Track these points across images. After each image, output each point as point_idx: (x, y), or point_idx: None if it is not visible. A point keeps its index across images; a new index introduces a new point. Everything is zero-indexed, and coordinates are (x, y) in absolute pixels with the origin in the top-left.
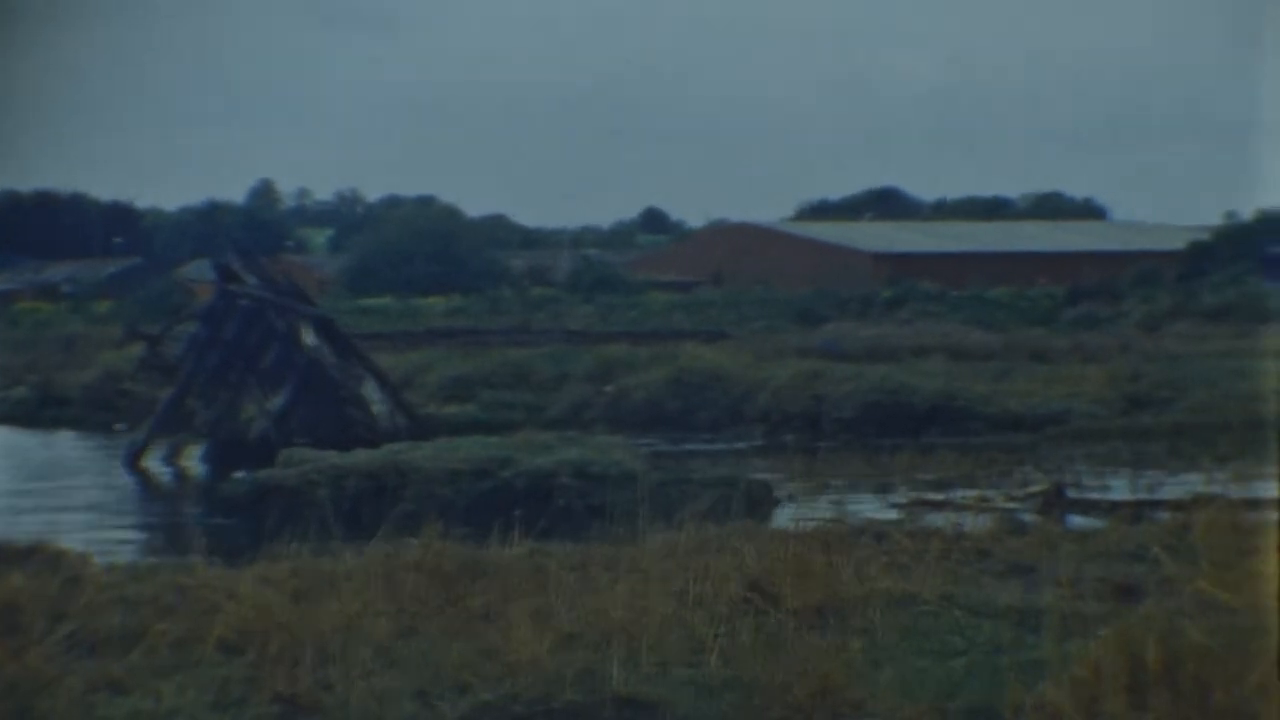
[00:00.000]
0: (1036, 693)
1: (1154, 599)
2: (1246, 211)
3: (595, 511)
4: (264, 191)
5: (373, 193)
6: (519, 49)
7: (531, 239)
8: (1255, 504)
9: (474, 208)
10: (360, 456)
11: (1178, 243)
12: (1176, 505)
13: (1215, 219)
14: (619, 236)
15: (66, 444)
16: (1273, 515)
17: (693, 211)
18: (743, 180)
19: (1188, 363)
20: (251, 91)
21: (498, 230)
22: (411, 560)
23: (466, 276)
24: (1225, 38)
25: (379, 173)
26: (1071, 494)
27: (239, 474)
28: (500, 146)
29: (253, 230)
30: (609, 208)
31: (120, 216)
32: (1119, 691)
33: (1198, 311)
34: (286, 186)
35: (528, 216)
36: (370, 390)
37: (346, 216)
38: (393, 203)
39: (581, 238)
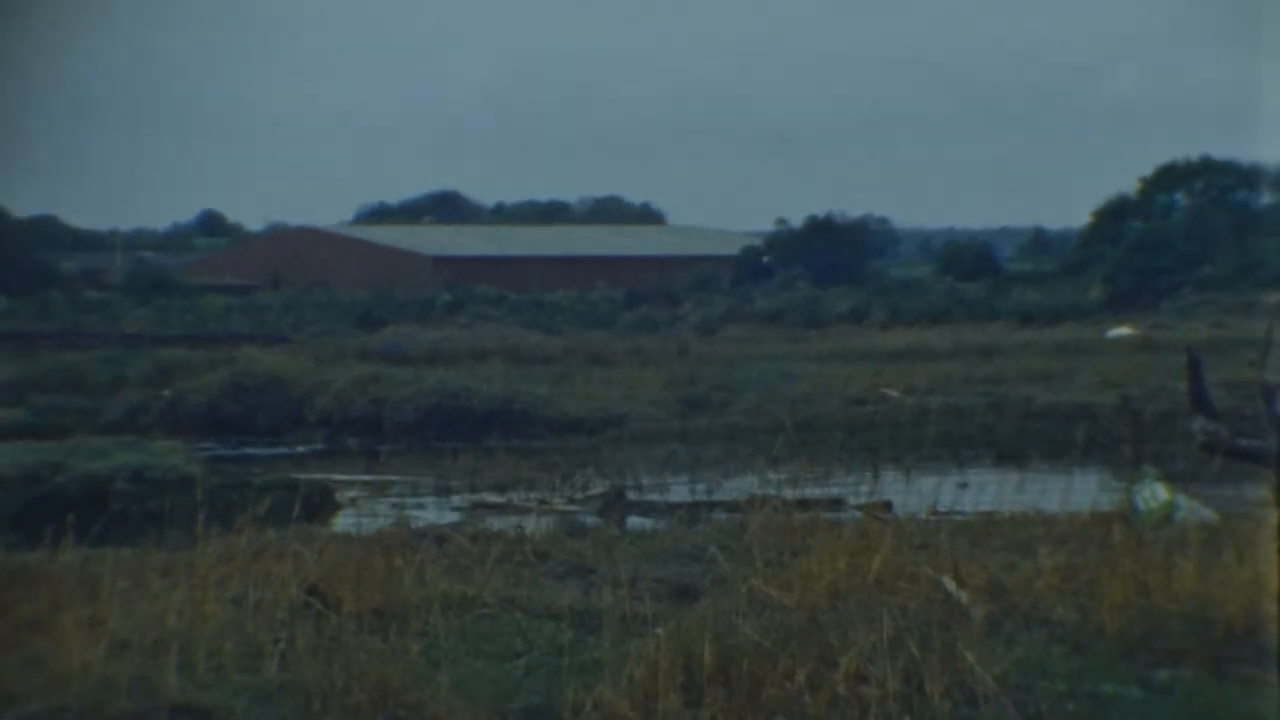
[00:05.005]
0: (595, 693)
1: (710, 598)
2: (798, 218)
3: (152, 517)
4: None
5: None
6: (67, 43)
7: (83, 241)
8: (806, 504)
9: (21, 208)
10: None
11: (733, 248)
12: (732, 506)
13: (768, 225)
14: (175, 239)
15: None
16: (824, 514)
17: (251, 215)
18: (301, 183)
19: (742, 366)
20: None
21: (47, 231)
22: None
23: (14, 278)
24: (781, 51)
25: None
26: (631, 496)
27: None
28: (50, 145)
29: None
30: (165, 210)
31: None
32: (675, 690)
33: (751, 315)
34: None
35: (79, 218)
36: None
37: None
38: None
39: (136, 240)
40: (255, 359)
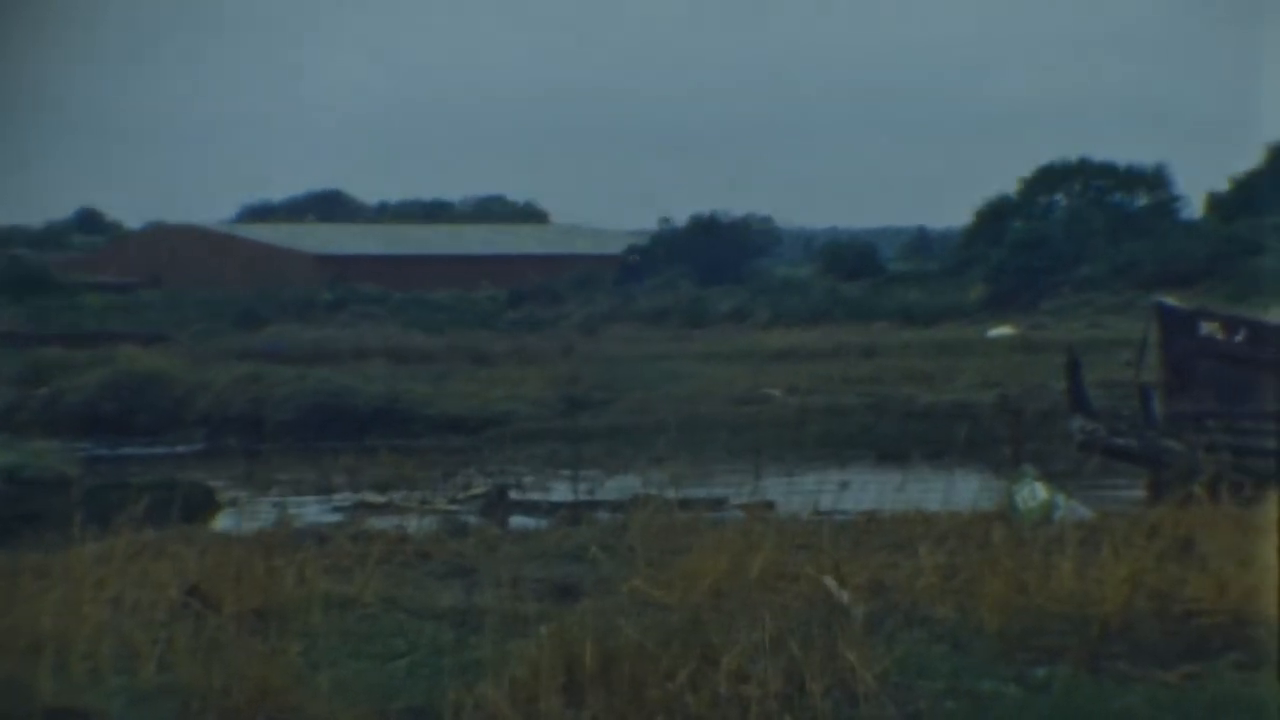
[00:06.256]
0: (476, 693)
1: (591, 599)
2: (682, 217)
3: (27, 518)
4: None
5: None
6: None
7: None
8: (689, 504)
9: None
10: None
11: (616, 247)
12: (615, 506)
13: (652, 223)
14: (51, 236)
15: None
16: (706, 514)
17: (130, 212)
18: (182, 181)
19: (626, 365)
20: None
21: None
22: None
23: None
24: (664, 50)
25: None
26: (513, 495)
27: None
28: None
29: None
30: (40, 206)
31: None
32: (556, 690)
33: (634, 314)
34: None
35: None
36: None
37: None
38: None
39: (10, 236)
40: (134, 358)
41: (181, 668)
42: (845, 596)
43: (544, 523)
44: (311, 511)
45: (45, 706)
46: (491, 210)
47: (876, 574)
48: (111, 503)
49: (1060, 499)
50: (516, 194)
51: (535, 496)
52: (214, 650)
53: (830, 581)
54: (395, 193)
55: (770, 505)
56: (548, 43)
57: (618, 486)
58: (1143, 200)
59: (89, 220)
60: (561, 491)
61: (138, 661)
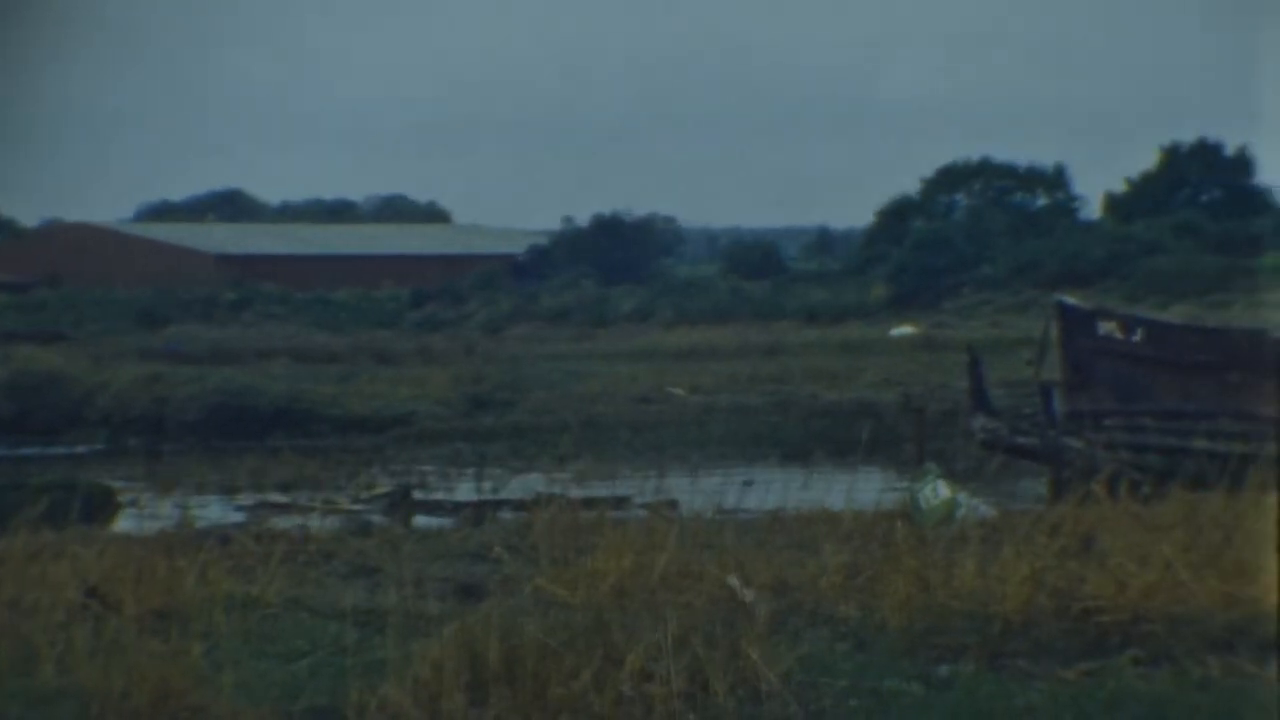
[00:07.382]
0: (379, 693)
1: (495, 598)
2: (584, 216)
3: None
4: None
5: None
6: None
7: None
8: (592, 503)
9: None
10: None
11: (518, 246)
12: (518, 505)
13: (555, 223)
14: None
15: None
16: (609, 513)
17: (25, 210)
18: (79, 179)
19: (529, 365)
20: None
21: None
22: None
23: None
24: (566, 49)
25: None
26: (417, 495)
27: None
28: None
29: None
30: None
31: None
32: (460, 689)
33: (537, 314)
34: None
35: None
36: None
37: None
38: None
39: None
40: (33, 357)
41: (81, 669)
42: (749, 595)
43: (447, 522)
44: (214, 512)
45: None
46: (394, 210)
47: (780, 573)
48: (9, 503)
49: (962, 497)
50: (419, 194)
51: (439, 496)
52: (114, 651)
53: (734, 580)
54: (297, 192)
55: (674, 504)
56: (449, 42)
57: (521, 486)
58: (1042, 200)
59: None
60: (465, 491)
61: (36, 663)
